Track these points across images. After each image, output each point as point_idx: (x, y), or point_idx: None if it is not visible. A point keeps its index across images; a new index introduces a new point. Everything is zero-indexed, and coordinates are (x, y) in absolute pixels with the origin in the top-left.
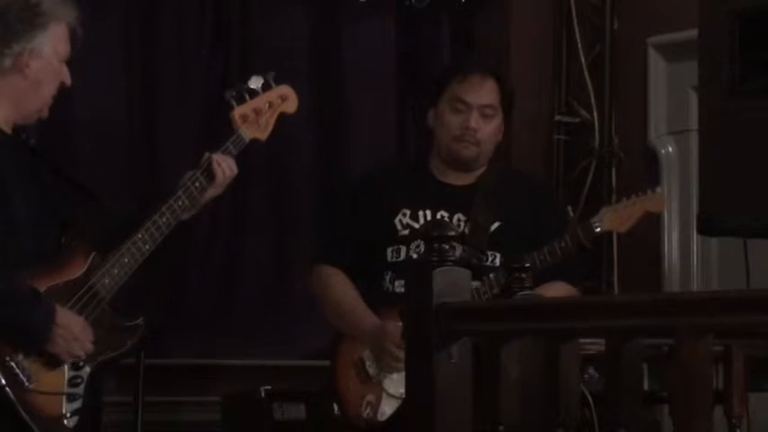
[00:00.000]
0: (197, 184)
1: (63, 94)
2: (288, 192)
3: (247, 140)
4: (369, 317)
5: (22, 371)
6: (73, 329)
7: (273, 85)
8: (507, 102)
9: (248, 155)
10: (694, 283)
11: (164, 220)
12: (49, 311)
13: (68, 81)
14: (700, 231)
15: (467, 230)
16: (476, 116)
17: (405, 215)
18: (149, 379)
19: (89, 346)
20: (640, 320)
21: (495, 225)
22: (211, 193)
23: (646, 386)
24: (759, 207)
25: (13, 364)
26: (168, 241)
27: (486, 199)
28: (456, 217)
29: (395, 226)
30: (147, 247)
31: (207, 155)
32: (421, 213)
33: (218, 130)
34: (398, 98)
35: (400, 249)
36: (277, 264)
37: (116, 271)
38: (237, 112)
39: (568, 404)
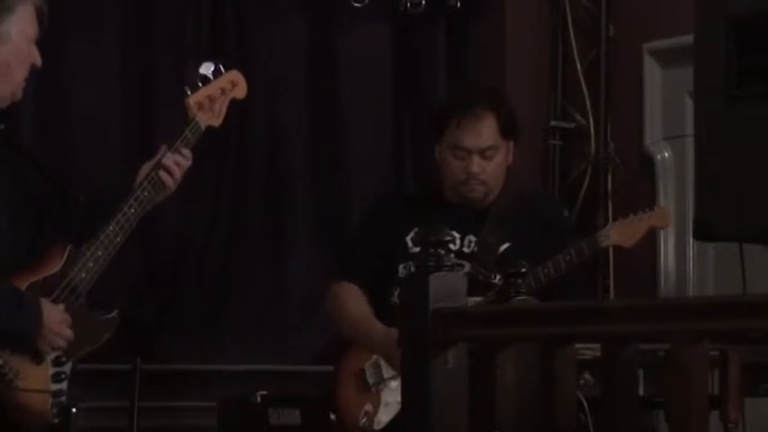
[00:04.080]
0: (160, 174)
1: (61, 95)
2: (284, 198)
3: (203, 128)
4: (380, 327)
5: (9, 369)
6: (53, 323)
7: (223, 70)
8: (510, 129)
9: (245, 160)
10: (690, 289)
11: (132, 211)
12: (36, 310)
13: (39, 62)
14: (696, 237)
15: (475, 250)
16: (477, 160)
17: (417, 234)
18: (145, 384)
19: (69, 333)
20: (636, 326)
21: (505, 246)
22: (165, 194)
23: (642, 391)
24: (755, 212)
25: (1, 362)
26: (166, 246)
27: (498, 221)
28: (467, 239)
29: (406, 243)
30: (119, 239)
31: (164, 147)
32: None
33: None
34: (394, 103)
35: (410, 267)
36: (273, 270)
37: (91, 265)
38: (192, 99)
39: (564, 410)
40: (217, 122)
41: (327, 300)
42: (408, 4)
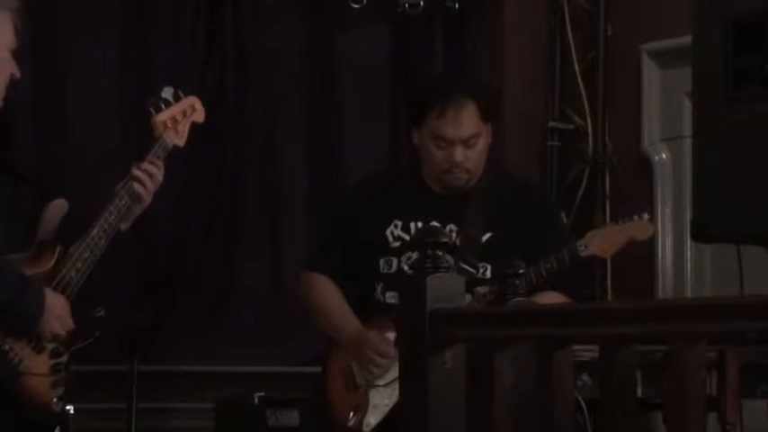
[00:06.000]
0: (134, 185)
1: (58, 98)
2: (281, 198)
3: (170, 146)
4: (351, 323)
5: (15, 355)
6: (55, 309)
7: (183, 96)
8: (490, 114)
9: (242, 161)
10: (688, 290)
11: (113, 218)
12: (39, 294)
13: (18, 73)
14: (693, 238)
15: (458, 242)
16: (460, 150)
17: (396, 227)
18: (142, 385)
19: (69, 321)
20: (634, 327)
21: (487, 236)
22: (141, 207)
23: (640, 393)
24: (753, 213)
25: (7, 347)
26: (162, 247)
27: (479, 209)
28: (447, 228)
29: (386, 237)
30: (103, 242)
31: (135, 165)
32: (413, 225)
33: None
34: (392, 103)
35: (391, 261)
36: (270, 271)
37: (80, 265)
38: (158, 119)
39: (562, 411)
40: (181, 142)
41: (299, 290)
42: (407, 5)
